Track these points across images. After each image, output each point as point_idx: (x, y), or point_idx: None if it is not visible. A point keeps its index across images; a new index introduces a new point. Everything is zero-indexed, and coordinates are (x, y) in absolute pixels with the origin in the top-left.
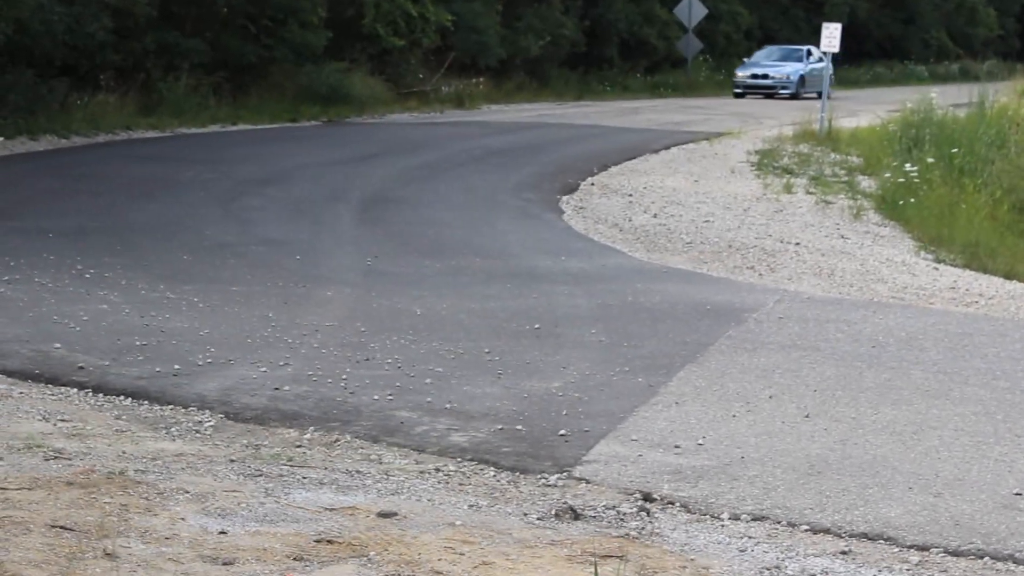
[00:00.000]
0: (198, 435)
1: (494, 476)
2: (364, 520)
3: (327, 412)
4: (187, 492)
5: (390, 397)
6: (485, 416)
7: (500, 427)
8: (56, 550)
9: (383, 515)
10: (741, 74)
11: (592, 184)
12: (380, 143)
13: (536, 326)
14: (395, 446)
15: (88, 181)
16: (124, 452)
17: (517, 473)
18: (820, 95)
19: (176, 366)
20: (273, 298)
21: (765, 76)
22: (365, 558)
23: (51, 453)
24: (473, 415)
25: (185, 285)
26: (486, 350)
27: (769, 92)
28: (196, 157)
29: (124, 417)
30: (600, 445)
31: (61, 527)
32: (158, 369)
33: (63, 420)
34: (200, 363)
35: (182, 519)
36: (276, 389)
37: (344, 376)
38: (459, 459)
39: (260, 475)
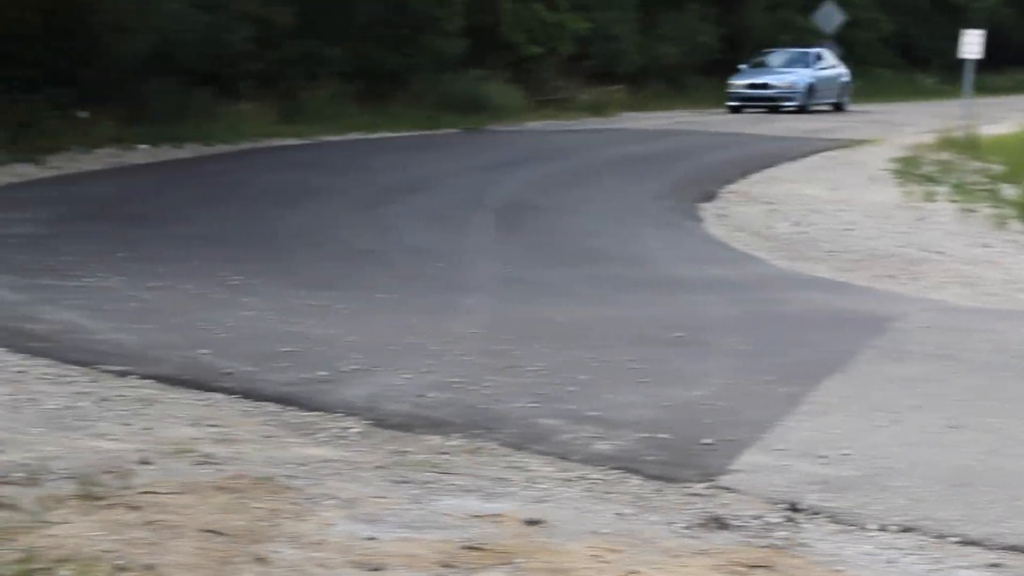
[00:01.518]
0: (344, 441)
1: (639, 484)
2: (510, 527)
3: (471, 419)
4: (335, 498)
5: (534, 405)
6: (629, 424)
7: (644, 435)
8: (207, 554)
9: (529, 522)
10: (736, 83)
11: (731, 192)
12: (518, 151)
13: (678, 334)
14: (539, 454)
15: (231, 188)
16: (272, 457)
17: (662, 481)
18: (835, 106)
19: (322, 372)
20: (416, 305)
21: (765, 86)
22: (512, 565)
23: (201, 458)
24: (617, 423)
25: (329, 292)
26: (628, 358)
27: (771, 104)
28: (337, 165)
29: (271, 423)
30: (745, 454)
31: (212, 531)
32: (304, 375)
33: (212, 425)
34: (345, 370)
35: (331, 525)
36: (420, 396)
37: (487, 384)
38: (604, 467)
39: (406, 482)
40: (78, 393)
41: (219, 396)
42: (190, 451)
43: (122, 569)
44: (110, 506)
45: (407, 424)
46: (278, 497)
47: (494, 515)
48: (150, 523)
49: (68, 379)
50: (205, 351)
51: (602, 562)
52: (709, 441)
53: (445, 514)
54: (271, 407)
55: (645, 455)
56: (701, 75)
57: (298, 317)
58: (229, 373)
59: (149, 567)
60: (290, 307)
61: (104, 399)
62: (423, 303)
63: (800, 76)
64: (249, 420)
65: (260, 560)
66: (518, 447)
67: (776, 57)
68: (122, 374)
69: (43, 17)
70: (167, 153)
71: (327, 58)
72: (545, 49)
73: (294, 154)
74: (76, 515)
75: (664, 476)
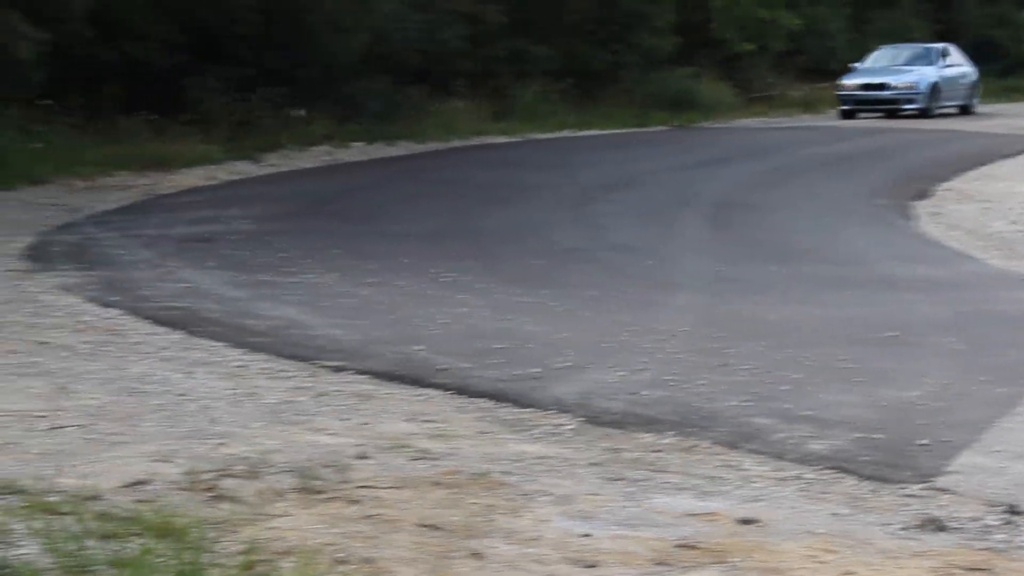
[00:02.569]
0: (558, 438)
1: (854, 485)
2: (724, 526)
3: (685, 417)
4: (550, 494)
5: (747, 403)
6: (843, 424)
7: (858, 435)
8: (425, 549)
9: (743, 521)
10: (848, 84)
11: (945, 190)
12: (727, 148)
13: (892, 333)
14: (753, 452)
15: (443, 186)
16: (487, 453)
17: (877, 482)
18: (962, 109)
19: (535, 369)
20: (626, 303)
21: (882, 86)
22: (727, 564)
23: (417, 453)
24: (831, 423)
25: (540, 289)
26: (841, 357)
27: (889, 108)
28: (546, 162)
29: (486, 419)
30: (962, 455)
31: (429, 526)
32: (517, 372)
33: (427, 421)
34: (558, 367)
35: (546, 521)
36: (633, 394)
37: (700, 382)
38: (818, 467)
39: (620, 479)
40: (296, 388)
41: (434, 392)
42: (406, 446)
43: (342, 562)
44: (329, 500)
45: (620, 421)
46: (493, 493)
47: (708, 514)
48: (368, 517)
49: (286, 374)
50: (419, 347)
51: (818, 562)
52: (925, 442)
53: (659, 512)
54: (485, 403)
55: (860, 455)
56: None
57: (510, 314)
58: (443, 369)
59: (368, 560)
60: (502, 304)
61: (321, 394)
62: (634, 300)
63: (922, 75)
64: (464, 416)
65: (476, 555)
66: (732, 446)
67: (896, 54)
68: (338, 369)
69: (262, 18)
70: (379, 151)
71: (537, 56)
72: (756, 46)
73: (504, 152)
74: (296, 508)
75: (879, 477)
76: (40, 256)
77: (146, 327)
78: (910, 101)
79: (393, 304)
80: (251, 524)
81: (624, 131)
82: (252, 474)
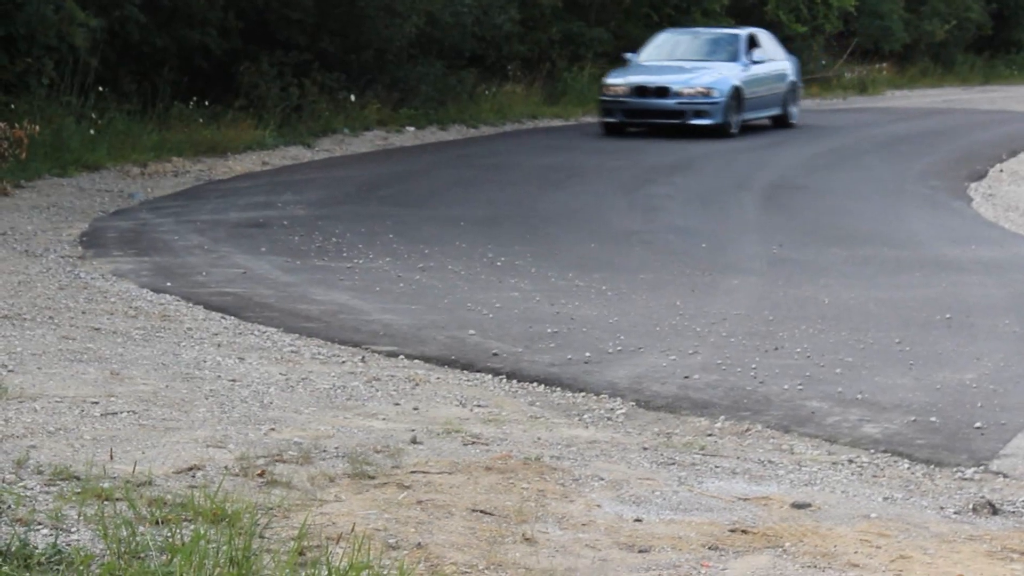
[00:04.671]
0: (610, 422)
1: (908, 468)
2: (777, 511)
3: (737, 401)
4: (602, 479)
5: (800, 387)
6: (897, 407)
7: (913, 419)
8: (477, 534)
9: (797, 506)
10: (617, 85)
11: (1001, 171)
12: (783, 131)
13: (947, 316)
14: (806, 436)
15: (496, 170)
16: (539, 438)
17: (932, 466)
18: (777, 120)
19: (587, 353)
20: (680, 286)
21: (663, 91)
22: (780, 549)
23: (469, 438)
24: (885, 406)
25: (593, 273)
26: (896, 340)
27: (670, 120)
28: (599, 145)
29: (538, 403)
30: (1017, 438)
31: (481, 511)
32: (569, 356)
33: (479, 406)
34: (610, 351)
35: (598, 506)
36: (686, 378)
37: (753, 365)
38: (872, 450)
39: (673, 463)
40: (349, 373)
41: (486, 376)
42: (458, 431)
43: (394, 548)
44: (381, 485)
45: (673, 405)
46: (545, 478)
47: (761, 498)
48: (420, 502)
49: (339, 359)
50: (472, 332)
51: (872, 547)
52: (980, 425)
53: (712, 496)
54: (537, 388)
55: (914, 439)
56: (970, 52)
57: (563, 298)
58: (496, 354)
59: (420, 546)
60: (555, 288)
61: (374, 379)
62: (687, 283)
63: (721, 76)
64: (515, 400)
65: (528, 540)
66: (785, 429)
67: (686, 43)
68: (391, 354)
69: (316, 3)
70: (433, 135)
71: (591, 39)
72: (810, 27)
73: (557, 135)
74: (348, 493)
75: (934, 460)
76: (95, 242)
77: (199, 312)
78: (702, 113)
79: (446, 289)
80: (303, 510)
81: None
82: (304, 459)
